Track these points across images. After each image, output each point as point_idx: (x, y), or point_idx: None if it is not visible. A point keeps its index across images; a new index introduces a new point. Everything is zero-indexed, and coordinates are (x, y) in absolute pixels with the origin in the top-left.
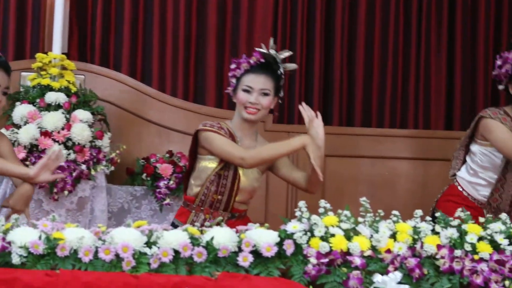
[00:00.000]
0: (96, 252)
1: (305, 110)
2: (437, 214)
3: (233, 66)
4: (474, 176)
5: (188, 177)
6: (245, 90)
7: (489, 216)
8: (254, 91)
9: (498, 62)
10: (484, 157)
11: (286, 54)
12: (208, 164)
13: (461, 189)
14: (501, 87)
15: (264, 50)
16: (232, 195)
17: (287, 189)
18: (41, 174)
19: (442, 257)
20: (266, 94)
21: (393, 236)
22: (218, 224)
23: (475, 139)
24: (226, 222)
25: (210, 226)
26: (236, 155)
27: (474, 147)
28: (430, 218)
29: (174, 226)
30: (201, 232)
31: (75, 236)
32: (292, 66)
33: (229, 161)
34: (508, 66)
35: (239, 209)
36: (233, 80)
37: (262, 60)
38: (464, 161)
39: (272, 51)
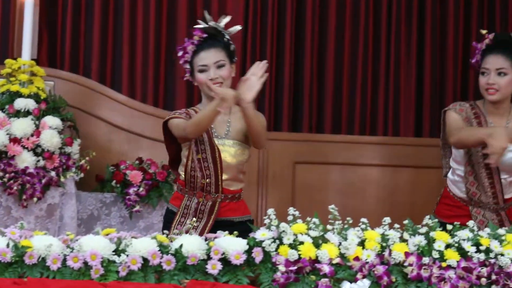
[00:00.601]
0: (65, 260)
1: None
2: (435, 220)
3: (180, 53)
4: (454, 174)
5: (173, 164)
6: (201, 71)
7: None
8: (209, 67)
9: (472, 53)
10: (457, 151)
11: (225, 20)
12: (185, 152)
13: (449, 190)
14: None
15: (202, 25)
16: (218, 175)
17: (257, 196)
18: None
19: (410, 265)
20: (222, 66)
21: (362, 243)
22: (187, 232)
23: None
24: (220, 204)
25: (180, 234)
26: (181, 128)
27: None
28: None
29: (168, 210)
30: (170, 239)
31: (43, 244)
32: (236, 28)
33: (183, 138)
34: (478, 56)
35: (230, 189)
36: (187, 66)
37: (205, 35)
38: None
39: (212, 23)
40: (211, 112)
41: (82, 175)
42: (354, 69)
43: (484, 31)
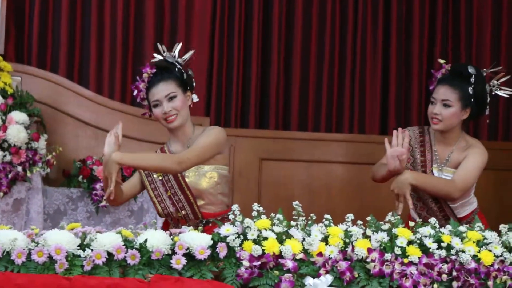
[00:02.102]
0: (29, 254)
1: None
2: (390, 217)
3: (134, 92)
4: None
5: None
6: (154, 106)
7: (419, 221)
8: (161, 101)
9: (432, 79)
10: None
11: (178, 48)
12: (152, 194)
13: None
14: None
15: (155, 59)
16: (192, 204)
17: None
18: None
19: (373, 261)
20: (173, 97)
21: (325, 239)
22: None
23: None
24: (204, 227)
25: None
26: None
27: None
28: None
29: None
30: (135, 234)
31: (8, 238)
32: (189, 54)
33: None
34: (435, 84)
35: (211, 213)
36: (145, 103)
37: (153, 70)
38: None
39: (166, 53)
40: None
41: (49, 170)
42: (320, 68)
43: (442, 61)
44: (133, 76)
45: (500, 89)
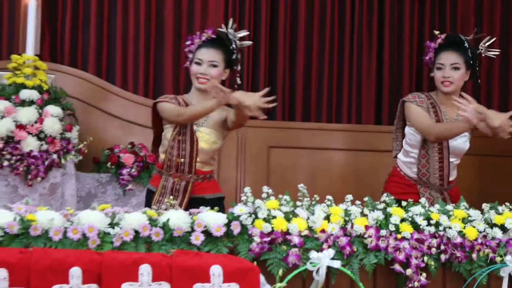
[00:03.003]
0: (65, 232)
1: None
2: (384, 196)
3: (188, 42)
4: (407, 156)
5: (156, 142)
6: (196, 63)
7: (422, 189)
8: (204, 63)
9: (426, 50)
10: (412, 136)
11: (243, 33)
12: (167, 133)
13: (399, 169)
14: (432, 74)
15: (221, 29)
16: (192, 157)
17: (236, 176)
18: None
19: (370, 236)
20: (214, 66)
21: (327, 218)
22: (172, 206)
23: (406, 121)
24: (193, 183)
25: (166, 209)
26: (174, 113)
27: (406, 129)
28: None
29: (148, 190)
30: (158, 214)
31: (46, 218)
32: (247, 43)
33: (173, 122)
34: (431, 54)
35: (202, 170)
36: (190, 55)
37: (213, 36)
38: (402, 146)
39: (230, 30)
40: (210, 109)
41: (80, 157)
42: (321, 66)
43: (436, 32)
44: (155, 73)
45: (488, 51)
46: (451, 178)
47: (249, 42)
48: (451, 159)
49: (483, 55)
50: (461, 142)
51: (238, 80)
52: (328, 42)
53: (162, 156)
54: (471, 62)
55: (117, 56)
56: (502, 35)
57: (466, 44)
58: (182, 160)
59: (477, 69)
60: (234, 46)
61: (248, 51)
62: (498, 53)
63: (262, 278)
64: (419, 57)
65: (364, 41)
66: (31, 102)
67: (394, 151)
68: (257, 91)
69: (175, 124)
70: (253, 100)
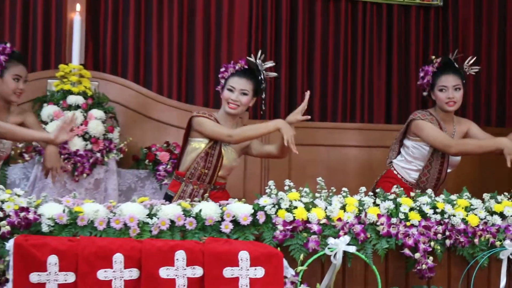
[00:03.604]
0: (109, 222)
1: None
2: (377, 190)
3: (222, 69)
4: (407, 164)
5: (181, 157)
6: (229, 89)
7: (418, 191)
8: (236, 90)
9: (421, 74)
10: (415, 150)
11: (269, 64)
12: (197, 145)
13: (396, 173)
14: (425, 93)
15: (251, 59)
16: (216, 170)
17: (261, 171)
18: (60, 136)
19: (382, 224)
20: (245, 94)
21: (343, 207)
22: (203, 197)
23: (407, 136)
24: (209, 192)
25: (199, 201)
26: (224, 133)
27: (407, 142)
28: (372, 193)
29: (167, 195)
30: (192, 205)
31: (91, 210)
32: (273, 74)
33: (218, 139)
34: (428, 77)
35: (220, 182)
36: (222, 81)
37: (246, 67)
38: (399, 152)
39: (258, 61)
40: (263, 131)
41: (121, 155)
42: (336, 70)
43: (433, 57)
44: (187, 79)
45: (472, 69)
46: (442, 184)
47: (275, 74)
48: (448, 170)
49: (467, 73)
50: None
51: (263, 106)
52: (342, 51)
53: (186, 165)
54: (464, 81)
55: (153, 64)
56: (500, 44)
57: (458, 66)
58: (206, 171)
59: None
60: (262, 76)
61: (270, 58)
62: (478, 69)
63: (285, 262)
64: (424, 64)
65: (374, 49)
66: (77, 107)
67: (389, 158)
68: (279, 95)
69: (213, 139)
70: (290, 135)
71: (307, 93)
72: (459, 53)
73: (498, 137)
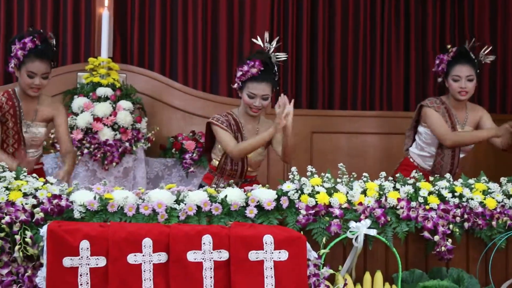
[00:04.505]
0: (138, 208)
1: (282, 99)
2: (397, 175)
3: (239, 73)
4: (422, 150)
5: (208, 152)
6: (250, 96)
7: (436, 176)
8: (257, 96)
9: (436, 61)
10: (427, 136)
11: (282, 58)
12: (220, 147)
13: (412, 161)
14: (439, 79)
15: (263, 54)
16: (244, 167)
17: None
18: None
19: (401, 208)
20: (266, 99)
21: (364, 192)
22: (230, 185)
23: (421, 122)
24: (241, 185)
25: (224, 187)
26: (227, 147)
27: (420, 129)
28: (392, 179)
29: (201, 186)
30: (217, 191)
31: (121, 196)
32: (283, 57)
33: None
34: (443, 65)
35: (250, 175)
36: (239, 81)
37: (262, 68)
38: (414, 139)
39: (273, 59)
40: (261, 142)
41: (149, 145)
42: (356, 60)
43: (449, 46)
44: (211, 71)
45: (487, 58)
46: (458, 170)
47: (284, 56)
48: (460, 155)
49: (483, 62)
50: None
51: (283, 95)
52: (361, 41)
53: (216, 162)
54: (478, 71)
55: (178, 56)
56: None
57: (473, 56)
58: (235, 167)
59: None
60: (276, 69)
61: (291, 52)
62: (493, 58)
63: (308, 245)
64: (440, 52)
65: (392, 39)
66: (106, 98)
67: (405, 146)
68: (300, 85)
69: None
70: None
71: (283, 97)
72: (476, 42)
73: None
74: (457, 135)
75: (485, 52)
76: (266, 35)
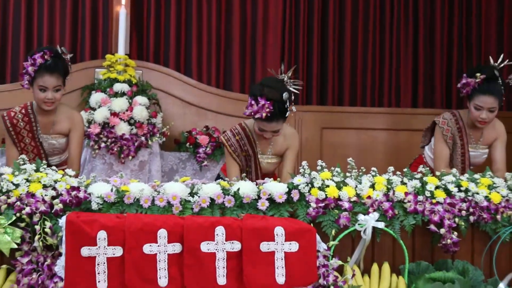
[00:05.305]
0: (153, 200)
1: None
2: (404, 170)
3: (248, 112)
4: (433, 155)
5: None
6: (260, 129)
7: (444, 171)
8: (268, 132)
9: (463, 81)
10: None
11: (297, 86)
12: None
13: (425, 161)
14: (462, 94)
15: (273, 73)
16: (258, 175)
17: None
18: None
19: (409, 201)
20: (277, 132)
21: (372, 186)
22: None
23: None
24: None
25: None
26: (229, 177)
27: (433, 139)
28: (400, 173)
29: (219, 176)
30: (230, 184)
31: (137, 189)
32: (298, 86)
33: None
34: (468, 89)
35: (267, 175)
36: (250, 114)
37: (272, 110)
38: (430, 140)
39: (285, 95)
40: None
41: (164, 139)
42: (365, 59)
43: (478, 74)
44: (225, 68)
45: None
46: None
47: (299, 87)
48: (471, 167)
49: (510, 85)
50: (481, 157)
51: (294, 109)
52: (371, 40)
53: None
54: (502, 97)
55: (193, 53)
56: None
57: (500, 81)
58: (247, 169)
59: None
60: (287, 105)
61: (303, 51)
62: None
63: (318, 237)
64: (448, 51)
65: (401, 37)
66: (122, 94)
67: (422, 143)
68: (311, 82)
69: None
70: None
71: None
72: (505, 60)
73: None
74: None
75: None
76: (282, 66)
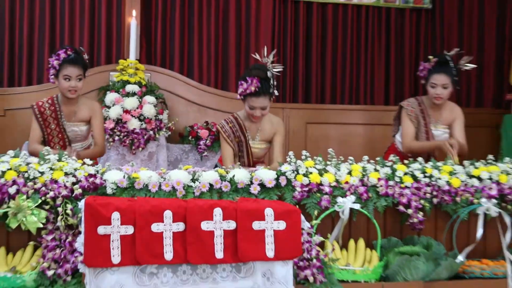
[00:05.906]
0: (160, 185)
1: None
2: (377, 159)
3: (240, 90)
4: (401, 132)
5: None
6: (250, 108)
7: (411, 159)
8: (257, 108)
9: (420, 67)
10: None
11: (278, 69)
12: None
13: (396, 146)
14: (422, 81)
15: (261, 71)
16: (249, 159)
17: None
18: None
19: (381, 186)
20: (265, 108)
21: (350, 173)
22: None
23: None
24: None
25: (233, 168)
26: (225, 163)
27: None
28: (373, 162)
29: (216, 166)
30: (226, 172)
31: (146, 176)
32: (279, 69)
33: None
34: (425, 72)
35: (258, 161)
36: (241, 96)
37: (259, 85)
38: (399, 129)
39: (269, 70)
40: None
41: (169, 133)
42: (344, 63)
43: (430, 57)
44: (223, 70)
45: (466, 66)
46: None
47: (280, 68)
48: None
49: (462, 70)
50: (442, 136)
51: (276, 92)
52: (349, 47)
53: None
54: (455, 78)
55: (195, 58)
56: (479, 37)
57: (452, 64)
58: (239, 154)
59: (457, 79)
60: (272, 81)
61: (290, 55)
62: (474, 67)
63: (302, 217)
64: (416, 57)
65: (375, 46)
66: (133, 94)
67: (393, 132)
68: (297, 82)
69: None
70: None
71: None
72: (459, 51)
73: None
74: (411, 144)
75: (464, 61)
76: (265, 49)
